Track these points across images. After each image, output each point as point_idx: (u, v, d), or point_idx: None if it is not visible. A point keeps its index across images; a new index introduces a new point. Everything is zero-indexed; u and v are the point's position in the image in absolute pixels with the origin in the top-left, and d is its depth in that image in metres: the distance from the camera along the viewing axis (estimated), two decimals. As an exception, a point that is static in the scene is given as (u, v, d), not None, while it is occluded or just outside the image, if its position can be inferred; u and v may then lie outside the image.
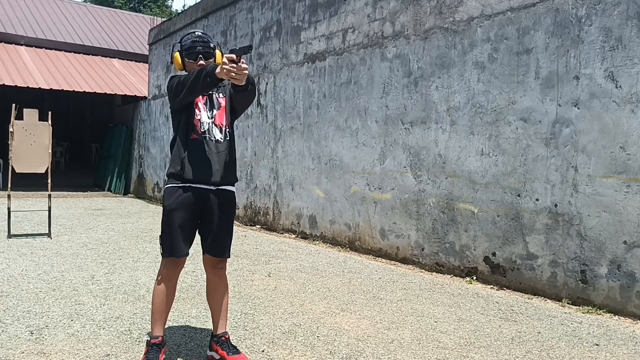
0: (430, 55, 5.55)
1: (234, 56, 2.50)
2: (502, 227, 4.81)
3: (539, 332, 3.53)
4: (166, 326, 2.98)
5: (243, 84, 2.59)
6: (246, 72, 2.54)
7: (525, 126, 4.65)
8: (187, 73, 2.82)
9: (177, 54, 2.90)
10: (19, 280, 4.47)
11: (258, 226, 8.41)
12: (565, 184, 4.34)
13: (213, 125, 2.80)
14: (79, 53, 15.82)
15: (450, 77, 5.32)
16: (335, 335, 3.35)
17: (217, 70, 2.52)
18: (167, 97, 12.75)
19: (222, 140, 2.80)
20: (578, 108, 4.27)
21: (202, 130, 2.77)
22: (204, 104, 2.82)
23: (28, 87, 12.13)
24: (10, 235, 6.61)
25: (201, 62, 2.80)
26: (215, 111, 2.83)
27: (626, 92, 3.97)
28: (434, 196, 5.48)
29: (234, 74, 2.50)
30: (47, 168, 6.84)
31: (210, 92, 2.83)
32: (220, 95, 2.89)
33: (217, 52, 2.90)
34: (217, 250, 2.83)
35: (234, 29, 9.26)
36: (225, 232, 2.83)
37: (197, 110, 2.79)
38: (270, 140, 8.22)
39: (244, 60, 2.53)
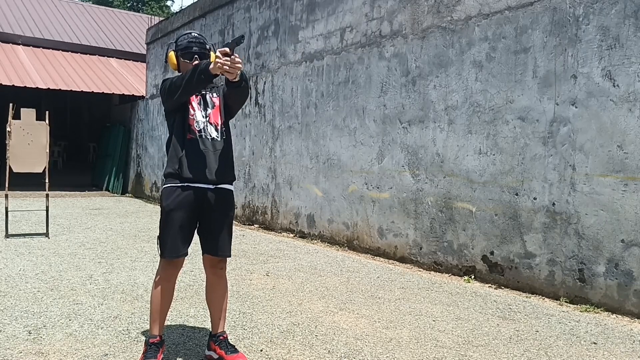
0: (428, 55, 5.55)
1: (227, 50, 2.51)
2: (500, 226, 4.82)
3: (537, 331, 3.54)
4: (164, 325, 2.97)
5: (237, 79, 2.60)
6: (239, 65, 2.54)
7: (523, 125, 4.65)
8: (180, 73, 2.83)
9: (172, 53, 2.90)
10: (17, 280, 4.47)
11: (256, 225, 8.41)
12: (563, 183, 4.34)
13: (208, 123, 2.80)
14: (77, 52, 15.79)
15: (448, 76, 5.32)
16: (334, 334, 3.35)
17: (211, 65, 2.53)
18: (165, 97, 12.70)
19: (218, 139, 2.80)
20: (576, 107, 4.28)
21: (197, 129, 2.77)
22: (197, 103, 2.82)
23: (25, 86, 12.10)
24: (7, 235, 6.59)
25: (196, 62, 2.81)
26: (209, 110, 2.83)
27: (623, 91, 3.98)
28: (432, 195, 5.48)
29: (227, 68, 2.51)
30: (45, 167, 6.83)
31: (204, 92, 2.84)
32: (214, 95, 2.89)
33: (212, 54, 2.91)
34: (217, 249, 2.82)
35: (232, 28, 9.26)
36: (224, 231, 2.82)
37: (191, 110, 2.79)
38: (269, 139, 8.22)
39: (237, 55, 2.53)
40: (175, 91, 2.69)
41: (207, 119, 2.81)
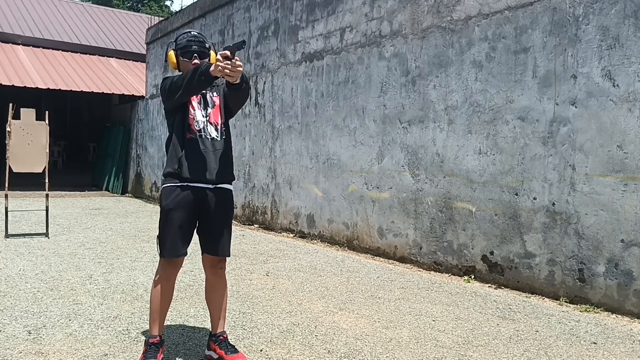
0: (427, 54, 5.55)
1: (228, 53, 2.51)
2: (500, 225, 4.82)
3: (537, 331, 3.54)
4: (164, 326, 2.97)
5: (237, 81, 2.60)
6: (240, 69, 2.54)
7: (522, 125, 4.65)
8: (180, 72, 2.82)
9: (171, 52, 2.90)
10: (17, 280, 4.47)
11: (256, 225, 8.41)
12: (563, 183, 4.35)
13: (208, 123, 2.80)
14: (77, 52, 15.79)
15: (448, 76, 5.32)
16: (334, 334, 3.35)
17: (212, 68, 2.53)
18: (164, 97, 12.67)
19: (218, 139, 2.80)
20: (575, 107, 4.28)
21: (197, 128, 2.77)
22: (198, 102, 2.82)
23: (25, 86, 12.10)
24: (7, 235, 6.59)
25: (196, 61, 2.81)
26: (209, 110, 2.83)
27: (623, 91, 3.98)
28: (431, 195, 5.48)
29: (228, 71, 2.51)
30: (45, 167, 6.83)
31: (204, 91, 2.84)
32: (214, 94, 2.89)
33: (212, 52, 2.91)
34: (217, 249, 2.82)
35: (232, 28, 9.26)
36: (224, 231, 2.82)
37: (191, 109, 2.79)
38: (268, 139, 8.22)
39: (237, 58, 2.53)
40: (176, 91, 2.69)
41: (207, 118, 2.81)
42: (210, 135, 2.78)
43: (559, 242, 4.35)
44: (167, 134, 2.88)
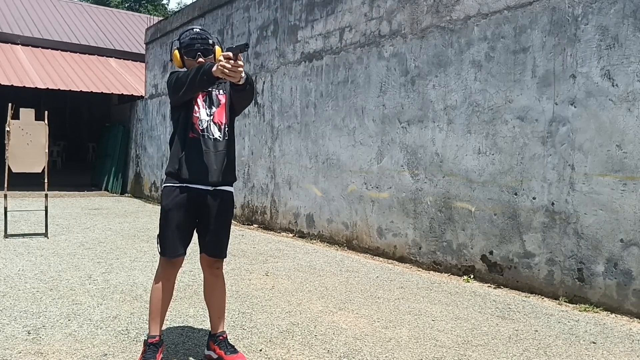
0: (427, 54, 5.55)
1: (230, 54, 2.50)
2: (499, 225, 4.82)
3: (536, 331, 3.54)
4: (164, 326, 2.97)
5: (241, 83, 2.59)
6: (241, 69, 2.52)
7: (522, 125, 4.66)
8: (186, 70, 2.81)
9: (176, 52, 2.88)
10: (16, 280, 4.46)
11: (255, 225, 8.41)
12: (562, 183, 4.35)
13: (212, 123, 2.79)
14: (76, 52, 15.78)
15: (447, 75, 5.32)
16: (333, 334, 3.35)
17: (214, 68, 2.52)
18: (163, 97, 12.58)
19: (220, 139, 2.79)
20: (575, 106, 4.28)
21: (200, 128, 2.76)
22: (203, 101, 2.80)
23: (24, 86, 12.09)
24: (7, 235, 6.59)
25: (200, 59, 2.80)
26: (214, 109, 2.82)
27: (622, 91, 3.98)
28: (431, 195, 5.48)
29: (228, 72, 2.50)
30: (44, 167, 6.82)
31: (210, 89, 2.82)
32: (221, 92, 2.87)
33: (217, 48, 2.89)
34: (214, 250, 2.82)
35: (231, 28, 9.25)
36: (222, 233, 2.83)
37: (196, 107, 2.77)
38: (268, 139, 8.22)
39: (240, 57, 2.52)
40: (180, 88, 2.68)
41: (211, 117, 2.79)
42: (213, 136, 2.77)
43: (558, 241, 4.36)
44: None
